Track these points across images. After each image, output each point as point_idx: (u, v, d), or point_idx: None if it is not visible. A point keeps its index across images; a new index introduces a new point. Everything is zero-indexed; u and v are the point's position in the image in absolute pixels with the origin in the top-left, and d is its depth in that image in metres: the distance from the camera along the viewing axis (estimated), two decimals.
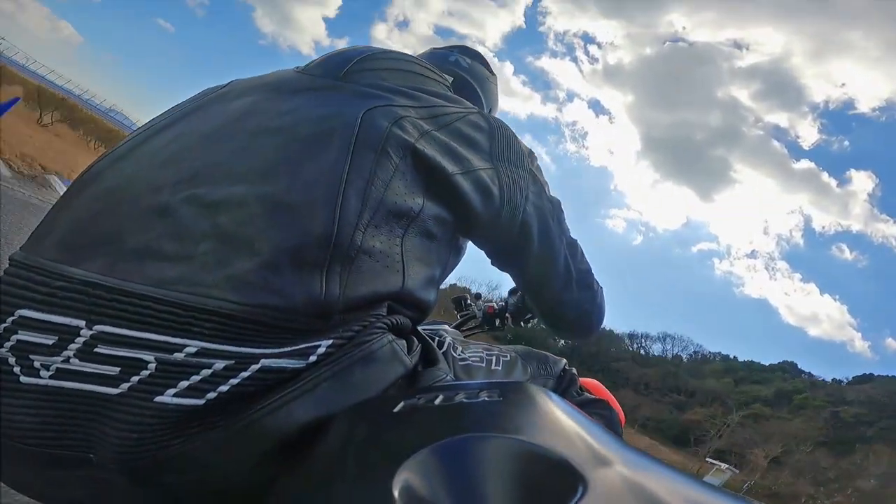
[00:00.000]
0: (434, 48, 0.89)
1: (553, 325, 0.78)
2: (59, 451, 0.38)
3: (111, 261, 0.40)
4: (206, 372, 0.37)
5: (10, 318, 0.39)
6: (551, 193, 0.67)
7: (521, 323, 1.19)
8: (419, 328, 0.53)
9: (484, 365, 0.67)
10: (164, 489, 0.38)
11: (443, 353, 0.61)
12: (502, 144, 0.60)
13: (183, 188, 0.43)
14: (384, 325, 0.45)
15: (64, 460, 0.38)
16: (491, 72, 0.89)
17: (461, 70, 0.82)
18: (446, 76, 0.71)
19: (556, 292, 0.68)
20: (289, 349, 0.39)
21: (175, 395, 0.36)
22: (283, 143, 0.47)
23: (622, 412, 0.85)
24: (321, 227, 0.42)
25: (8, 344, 0.38)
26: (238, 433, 0.37)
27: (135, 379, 0.36)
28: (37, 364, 0.38)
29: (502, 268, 0.68)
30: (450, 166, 0.52)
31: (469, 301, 1.26)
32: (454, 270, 0.66)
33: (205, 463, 0.37)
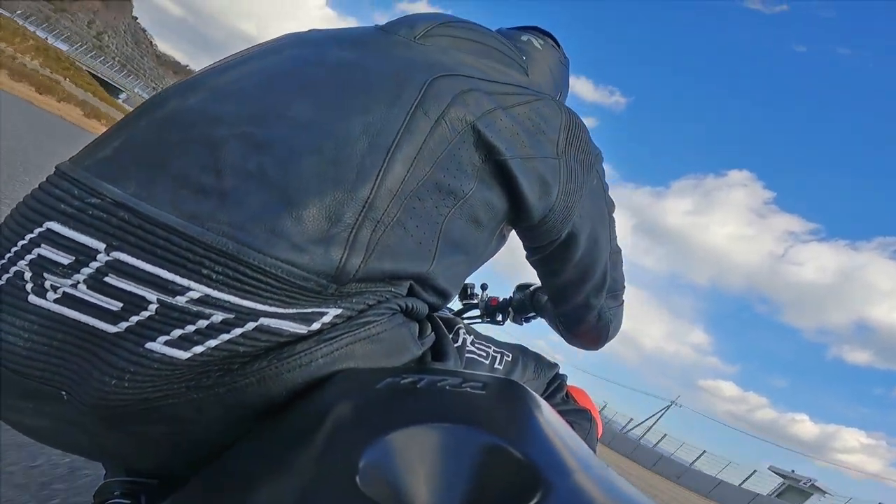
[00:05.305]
0: (503, 28, 0.83)
1: (567, 328, 0.76)
2: (36, 383, 0.37)
3: (148, 185, 0.38)
4: (202, 323, 0.36)
5: (38, 230, 0.37)
6: (609, 196, 0.65)
7: (522, 321, 1.20)
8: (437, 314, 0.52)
9: (487, 362, 0.66)
10: (131, 435, 0.38)
11: (457, 346, 0.60)
12: (572, 138, 0.56)
13: (238, 124, 0.42)
14: (397, 307, 0.44)
15: (38, 393, 0.37)
16: (564, 55, 0.84)
17: (534, 51, 0.76)
18: (523, 57, 0.67)
19: (584, 295, 0.67)
20: (293, 311, 0.38)
21: (166, 342, 0.35)
22: (341, 93, 0.45)
23: (601, 424, 0.86)
24: (358, 187, 0.40)
25: (28, 257, 0.37)
26: (224, 396, 0.36)
27: (134, 319, 0.35)
28: (47, 284, 0.36)
29: (536, 265, 0.66)
30: (509, 150, 0.49)
31: (475, 290, 1.27)
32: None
33: (182, 418, 0.37)
